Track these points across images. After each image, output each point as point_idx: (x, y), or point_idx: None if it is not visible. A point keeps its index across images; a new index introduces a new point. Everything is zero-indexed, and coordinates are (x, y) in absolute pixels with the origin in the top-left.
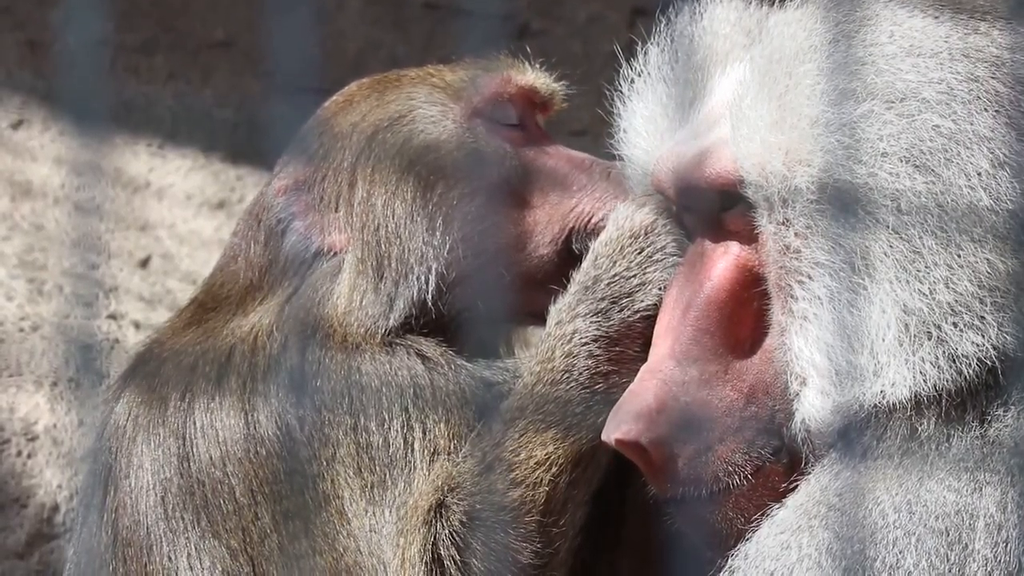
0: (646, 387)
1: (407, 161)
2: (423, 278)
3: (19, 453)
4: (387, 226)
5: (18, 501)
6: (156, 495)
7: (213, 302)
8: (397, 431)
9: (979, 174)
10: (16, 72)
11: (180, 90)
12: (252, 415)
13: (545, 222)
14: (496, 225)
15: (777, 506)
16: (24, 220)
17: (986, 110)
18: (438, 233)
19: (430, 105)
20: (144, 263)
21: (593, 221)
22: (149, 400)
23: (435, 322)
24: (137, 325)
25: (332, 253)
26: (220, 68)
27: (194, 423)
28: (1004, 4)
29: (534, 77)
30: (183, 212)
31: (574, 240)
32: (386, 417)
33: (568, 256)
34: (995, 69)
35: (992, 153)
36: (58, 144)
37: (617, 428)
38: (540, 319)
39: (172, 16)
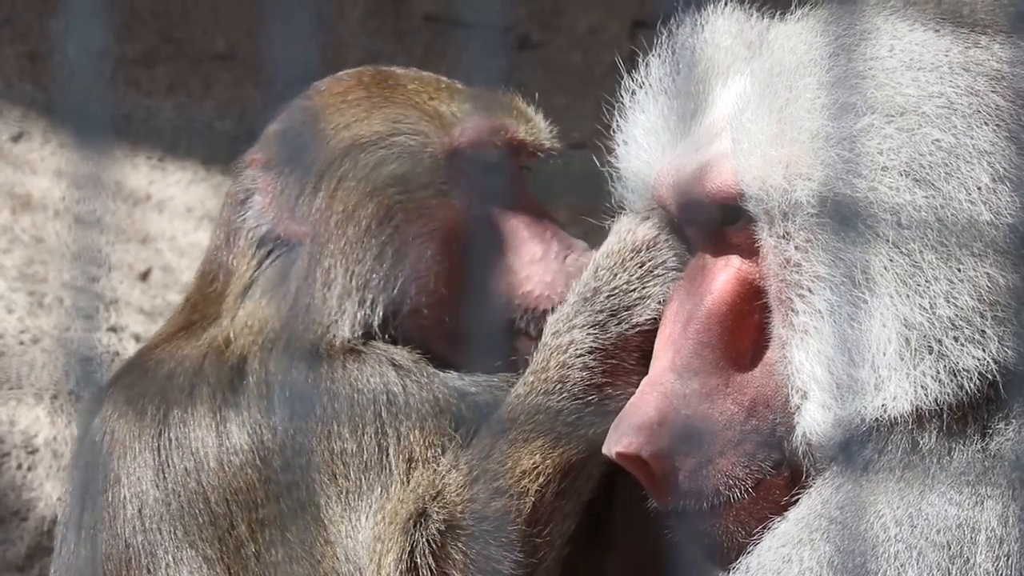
0: (647, 400)
1: (372, 187)
2: (367, 303)
3: (19, 466)
4: (338, 244)
5: (18, 514)
6: (134, 508)
7: (202, 300)
8: (371, 437)
9: (979, 188)
10: (16, 84)
11: (180, 102)
12: (223, 425)
13: (492, 286)
14: (445, 273)
15: (778, 519)
16: (24, 233)
17: (986, 124)
18: (385, 265)
19: (413, 134)
20: (144, 276)
21: (536, 306)
22: (126, 413)
23: (408, 332)
24: (137, 338)
25: (288, 242)
26: (221, 80)
27: (169, 435)
28: (1004, 18)
29: (526, 130)
30: (183, 225)
31: (515, 315)
32: (359, 423)
33: (509, 325)
34: (995, 83)
35: (992, 167)
36: (58, 156)
37: (618, 441)
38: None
39: (173, 27)
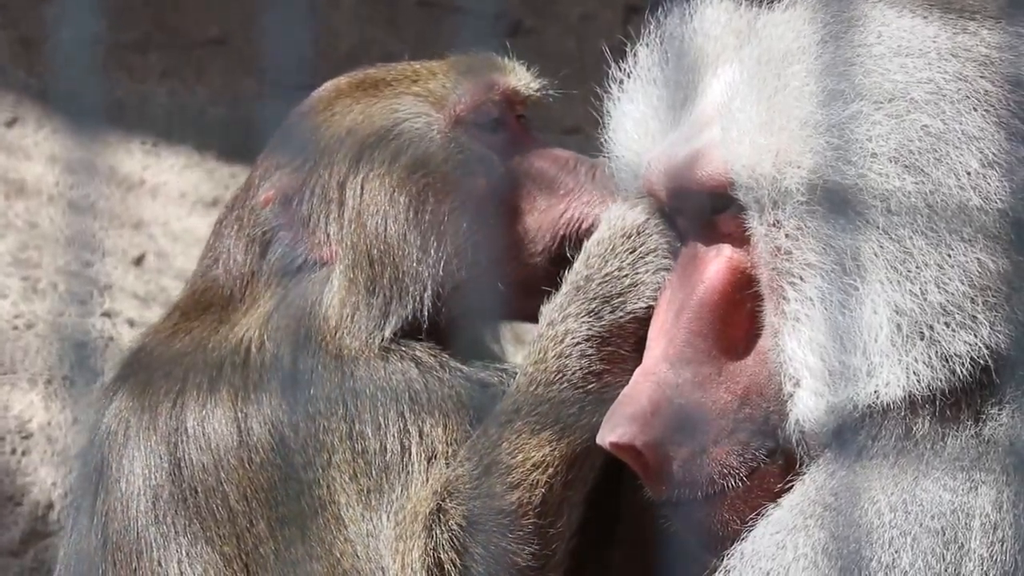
0: (640, 390)
1: (396, 180)
2: (419, 296)
3: (13, 451)
4: (379, 246)
5: (12, 499)
6: (147, 500)
7: (196, 310)
8: (394, 436)
9: (968, 173)
10: (9, 70)
11: (174, 88)
12: (244, 423)
13: (535, 229)
14: (488, 236)
15: (773, 506)
16: (18, 218)
17: (975, 109)
18: (432, 251)
19: (415, 117)
20: (138, 261)
21: (583, 227)
22: (140, 407)
23: (429, 326)
24: (131, 323)
25: (321, 264)
26: (214, 66)
27: (185, 431)
28: (993, 3)
29: (515, 79)
30: (177, 210)
31: (565, 246)
32: (382, 423)
33: (561, 261)
34: (984, 68)
35: (981, 152)
36: (52, 142)
37: (612, 431)
38: (534, 319)
39: (166, 14)
